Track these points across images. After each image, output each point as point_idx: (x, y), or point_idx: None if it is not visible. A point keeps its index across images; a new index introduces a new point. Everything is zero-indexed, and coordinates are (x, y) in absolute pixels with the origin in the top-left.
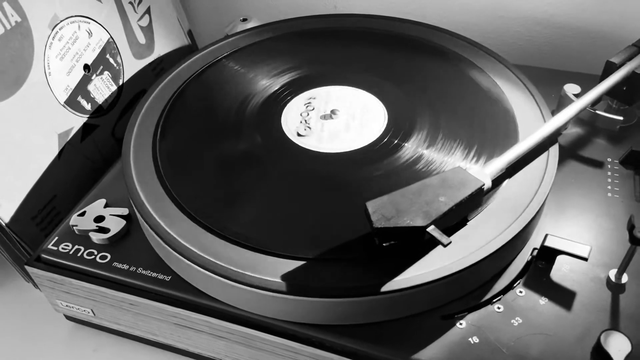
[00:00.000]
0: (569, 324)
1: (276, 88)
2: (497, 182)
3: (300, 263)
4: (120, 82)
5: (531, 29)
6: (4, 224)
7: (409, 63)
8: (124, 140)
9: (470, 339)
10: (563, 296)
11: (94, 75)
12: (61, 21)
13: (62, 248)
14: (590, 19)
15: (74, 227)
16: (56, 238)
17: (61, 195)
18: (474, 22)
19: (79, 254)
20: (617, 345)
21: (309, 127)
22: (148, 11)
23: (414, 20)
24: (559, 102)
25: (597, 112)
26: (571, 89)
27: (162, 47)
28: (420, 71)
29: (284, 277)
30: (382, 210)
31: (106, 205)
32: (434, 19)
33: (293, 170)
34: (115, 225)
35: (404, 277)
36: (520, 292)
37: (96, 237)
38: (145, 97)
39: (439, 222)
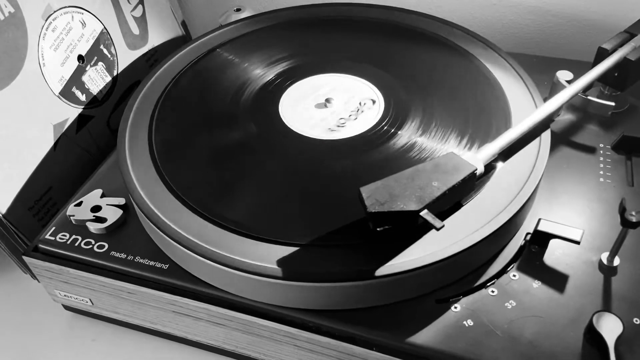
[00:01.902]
0: (561, 307)
1: (271, 77)
2: (490, 167)
3: (296, 249)
4: (115, 73)
5: (524, 17)
6: (0, 215)
7: (404, 51)
8: (119, 130)
9: (464, 322)
10: (556, 279)
11: (88, 66)
12: (55, 12)
13: (60, 238)
14: (582, 6)
15: (71, 217)
16: (53, 228)
17: (57, 186)
18: (468, 10)
19: (76, 244)
20: (609, 326)
21: (305, 115)
22: (141, 2)
23: (408, 9)
24: (552, 89)
25: (589, 98)
26: (563, 75)
27: (156, 37)
28: (414, 59)
29: (281, 263)
30: (375, 195)
31: (103, 195)
32: (428, 8)
33: (288, 158)
34: (112, 214)
35: (399, 262)
36: (514, 275)
37: (93, 227)
38: (140, 87)
39: (432, 207)
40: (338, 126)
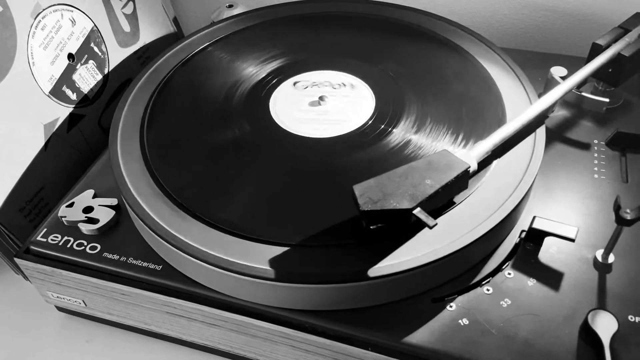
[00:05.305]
0: (557, 304)
1: (264, 75)
2: (485, 164)
3: (290, 250)
4: (106, 71)
5: (518, 12)
6: None
7: (397, 48)
8: (110, 129)
9: (460, 321)
10: (551, 277)
11: (79, 64)
12: (44, 10)
13: (52, 239)
14: (577, 1)
15: (63, 218)
16: (45, 229)
17: (49, 187)
18: (461, 5)
19: (68, 245)
20: (605, 324)
21: (298, 113)
22: None
23: (401, 5)
24: (546, 85)
25: (583, 94)
26: (558, 71)
27: (148, 35)
28: (409, 56)
29: (275, 264)
30: (369, 193)
31: (95, 196)
32: (422, 3)
33: (282, 157)
34: (104, 215)
35: (395, 262)
36: (509, 273)
37: (85, 228)
38: (132, 86)
39: (425, 205)
40: (331, 124)
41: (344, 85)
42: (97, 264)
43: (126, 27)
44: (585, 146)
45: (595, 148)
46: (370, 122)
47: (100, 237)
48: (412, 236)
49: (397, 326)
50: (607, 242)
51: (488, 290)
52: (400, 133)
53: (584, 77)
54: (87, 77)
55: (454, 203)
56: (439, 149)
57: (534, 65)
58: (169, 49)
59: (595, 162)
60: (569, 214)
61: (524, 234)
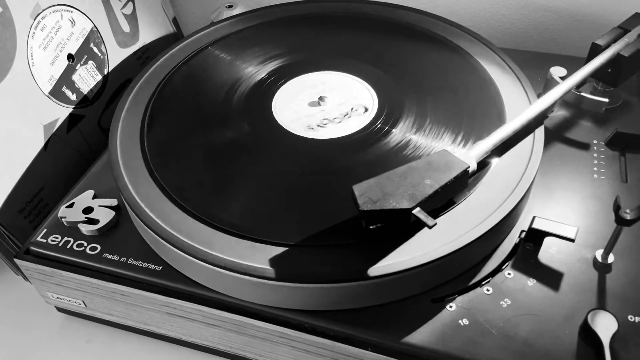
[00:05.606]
0: (556, 304)
1: (264, 75)
2: (484, 164)
3: (290, 249)
4: (105, 72)
5: (517, 12)
6: None
7: (397, 48)
8: (110, 130)
9: (460, 321)
10: (551, 277)
11: (79, 65)
12: (43, 10)
13: (52, 240)
14: (576, 1)
15: (63, 219)
16: (45, 230)
17: (49, 187)
18: (461, 5)
19: (68, 246)
20: (604, 324)
21: (297, 113)
22: None
23: (401, 5)
24: (545, 85)
25: (583, 94)
26: (557, 71)
27: (147, 35)
28: (408, 56)
29: (275, 264)
30: (368, 193)
31: (95, 197)
32: (422, 3)
33: (282, 157)
34: (104, 216)
35: (393, 261)
36: (509, 274)
37: (85, 229)
38: (131, 86)
39: (424, 205)
40: (318, 125)
41: (344, 85)
42: (97, 264)
43: (126, 27)
44: (584, 146)
45: (595, 148)
46: (370, 122)
47: (100, 238)
48: (411, 236)
49: (396, 326)
50: (606, 242)
51: (488, 290)
52: (399, 133)
53: (583, 77)
54: (87, 78)
55: (454, 203)
56: (439, 148)
57: (533, 66)
58: (168, 49)
59: (595, 162)
60: (569, 214)
61: (523, 234)
